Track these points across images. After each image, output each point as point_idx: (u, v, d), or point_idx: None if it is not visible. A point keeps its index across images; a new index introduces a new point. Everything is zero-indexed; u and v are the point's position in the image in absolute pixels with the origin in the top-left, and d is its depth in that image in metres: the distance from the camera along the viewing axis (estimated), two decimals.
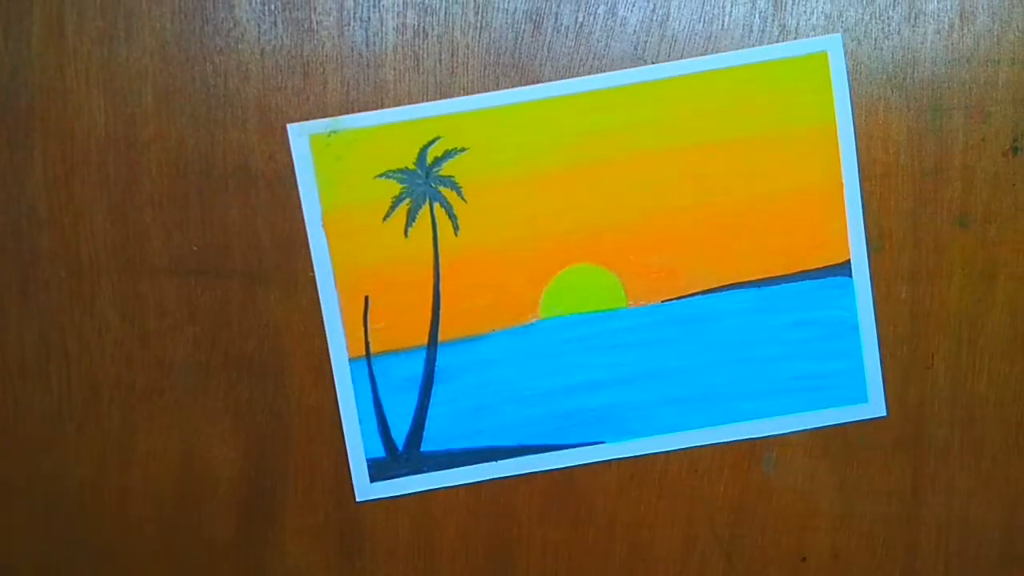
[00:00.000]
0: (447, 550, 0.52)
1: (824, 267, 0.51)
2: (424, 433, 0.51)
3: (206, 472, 0.50)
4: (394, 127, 0.50)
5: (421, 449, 0.52)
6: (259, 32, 0.50)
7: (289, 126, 0.50)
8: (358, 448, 0.52)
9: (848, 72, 0.51)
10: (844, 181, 0.51)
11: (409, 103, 0.50)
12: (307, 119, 0.50)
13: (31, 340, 0.51)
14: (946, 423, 0.52)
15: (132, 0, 0.50)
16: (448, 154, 0.50)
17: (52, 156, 0.50)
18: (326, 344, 0.51)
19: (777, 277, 0.51)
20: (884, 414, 0.52)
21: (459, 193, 0.50)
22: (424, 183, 0.50)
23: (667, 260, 0.51)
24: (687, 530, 0.53)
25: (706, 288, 0.51)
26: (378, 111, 0.50)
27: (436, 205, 0.51)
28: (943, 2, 0.51)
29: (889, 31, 0.51)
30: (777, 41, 0.51)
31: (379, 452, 0.51)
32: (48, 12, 0.50)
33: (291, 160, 0.50)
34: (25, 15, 0.50)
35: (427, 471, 0.52)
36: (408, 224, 0.51)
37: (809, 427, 0.52)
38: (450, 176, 0.50)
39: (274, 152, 0.50)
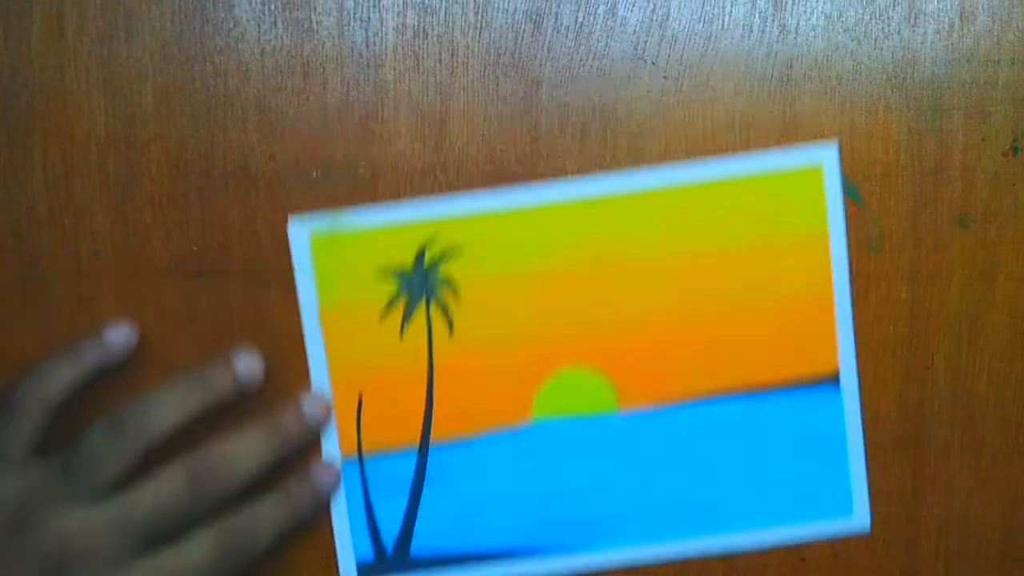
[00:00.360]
0: None
1: (813, 376, 0.51)
2: (413, 537, 0.51)
3: None
4: (393, 228, 0.50)
5: (411, 553, 0.51)
6: (259, 32, 0.50)
7: (290, 220, 0.50)
8: (348, 551, 0.51)
9: (843, 181, 0.51)
10: (835, 293, 0.51)
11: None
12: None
13: (31, 340, 0.51)
14: (946, 423, 0.52)
15: (132, 0, 0.50)
16: (445, 255, 0.50)
17: (52, 156, 0.50)
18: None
19: (765, 386, 0.51)
20: (867, 530, 0.52)
21: (455, 293, 0.51)
22: (421, 283, 0.50)
23: (658, 366, 0.51)
24: None
25: (696, 395, 0.51)
26: (379, 206, 0.50)
27: (432, 304, 0.51)
28: (943, 2, 0.51)
29: (889, 31, 0.51)
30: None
31: (368, 556, 0.51)
32: (48, 12, 0.50)
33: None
34: (25, 15, 0.50)
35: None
36: (404, 323, 0.51)
37: (792, 541, 0.52)
38: (446, 277, 0.51)
39: (274, 152, 0.50)
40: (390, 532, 0.51)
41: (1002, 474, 0.53)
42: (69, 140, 0.50)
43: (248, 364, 0.49)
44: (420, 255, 0.51)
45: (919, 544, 0.53)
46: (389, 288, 0.51)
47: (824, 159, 0.51)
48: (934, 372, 0.52)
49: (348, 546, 0.51)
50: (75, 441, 0.47)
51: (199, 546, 0.47)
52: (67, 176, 0.51)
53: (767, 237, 0.51)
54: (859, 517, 0.52)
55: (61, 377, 0.48)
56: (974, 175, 0.51)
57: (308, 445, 0.51)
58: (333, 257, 0.51)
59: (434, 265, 0.51)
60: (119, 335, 0.49)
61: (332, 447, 0.51)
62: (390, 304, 0.51)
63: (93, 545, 0.45)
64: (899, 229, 0.52)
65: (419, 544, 0.51)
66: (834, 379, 0.51)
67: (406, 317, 0.51)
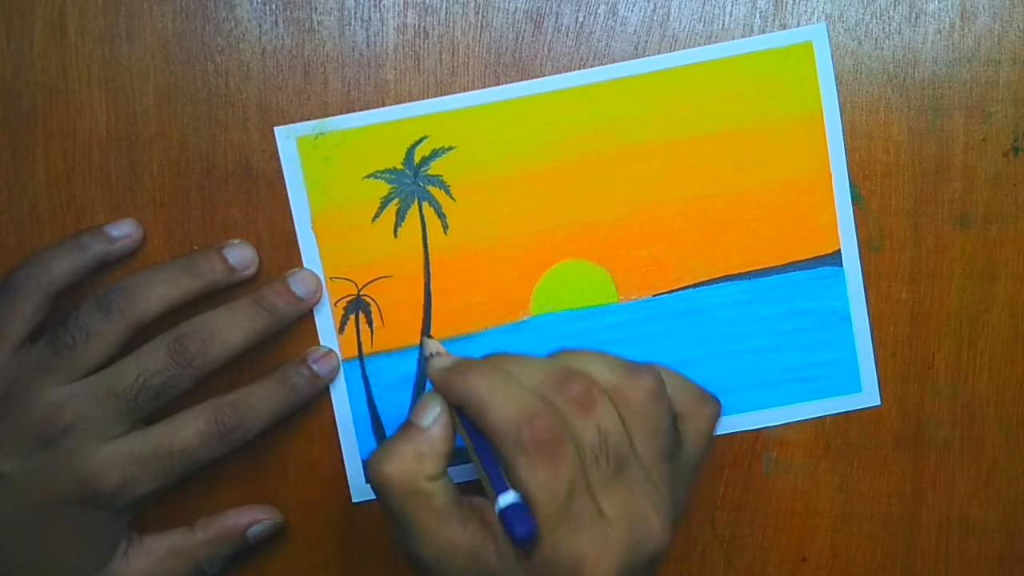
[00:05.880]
0: None
1: (814, 258, 0.51)
2: None
3: (206, 472, 0.50)
4: (381, 128, 0.50)
5: None
6: (260, 32, 0.50)
7: (276, 129, 0.50)
8: (353, 449, 0.52)
9: (834, 61, 0.51)
10: (832, 171, 0.51)
11: (410, 103, 0.50)
12: (308, 119, 0.50)
13: None
14: (946, 423, 0.52)
15: (134, 0, 0.50)
16: (435, 153, 0.50)
17: (54, 155, 0.51)
18: (319, 343, 0.51)
19: (767, 269, 0.51)
20: (878, 403, 0.52)
21: (447, 192, 0.51)
22: (412, 183, 0.50)
23: (657, 254, 0.51)
24: (687, 530, 0.53)
25: (696, 281, 0.51)
26: (365, 112, 0.50)
27: (425, 204, 0.51)
28: (944, 2, 0.51)
29: (890, 31, 0.51)
30: None
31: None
32: (50, 12, 0.50)
33: None
34: (27, 15, 0.50)
35: None
36: (397, 224, 0.51)
37: (804, 418, 0.52)
38: (438, 175, 0.51)
39: (274, 152, 0.51)
40: (395, 430, 0.51)
41: (1002, 474, 0.53)
42: (71, 139, 0.51)
43: (239, 253, 0.50)
44: (410, 153, 0.50)
45: (919, 544, 0.53)
46: (381, 189, 0.51)
47: (813, 38, 0.50)
48: (934, 372, 0.52)
49: (353, 444, 0.51)
50: (64, 320, 0.47)
51: (192, 422, 0.47)
52: (69, 175, 0.51)
53: (761, 118, 0.50)
54: (868, 393, 0.52)
55: (61, 265, 0.48)
56: (975, 175, 0.51)
57: (300, 321, 0.51)
58: (322, 161, 0.50)
59: (425, 163, 0.50)
60: (121, 229, 0.50)
61: (332, 349, 0.51)
62: (383, 205, 0.51)
63: (80, 417, 0.46)
64: (900, 229, 0.52)
65: None
66: (835, 259, 0.51)
67: (400, 217, 0.51)
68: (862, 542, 0.53)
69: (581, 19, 0.50)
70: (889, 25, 0.51)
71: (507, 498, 0.41)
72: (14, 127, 0.50)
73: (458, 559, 0.42)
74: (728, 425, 0.52)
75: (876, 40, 0.51)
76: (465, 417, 0.43)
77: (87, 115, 0.50)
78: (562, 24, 0.50)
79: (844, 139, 0.51)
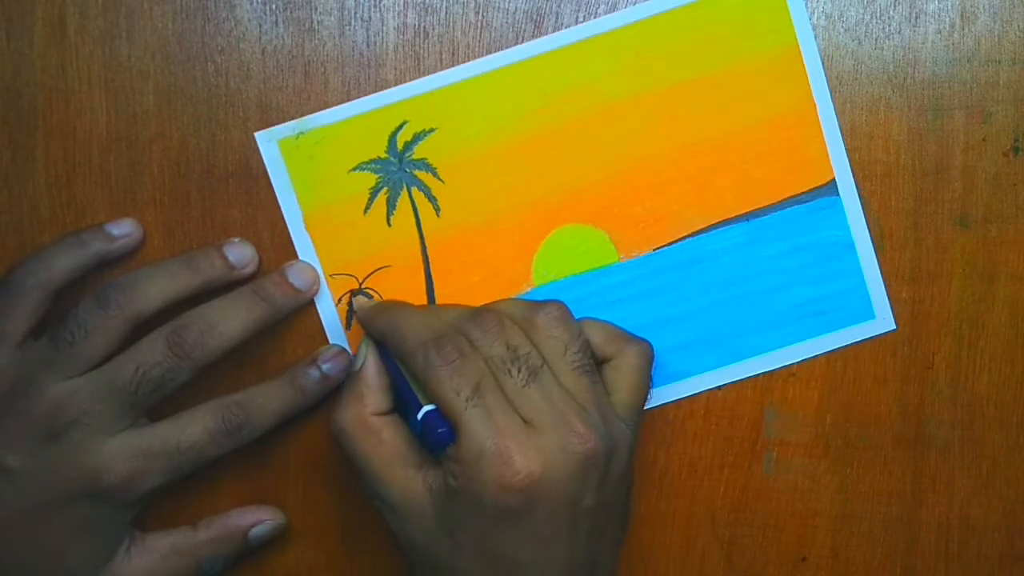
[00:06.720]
0: None
1: (809, 190, 0.51)
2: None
3: (206, 470, 0.50)
4: (360, 119, 0.50)
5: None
6: (260, 32, 0.50)
7: (256, 135, 0.50)
8: None
9: (824, 60, 0.50)
10: (816, 102, 0.51)
11: (385, 90, 0.50)
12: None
13: None
14: (946, 423, 0.52)
15: (134, 0, 0.50)
16: (417, 137, 0.50)
17: (54, 155, 0.51)
18: (327, 342, 0.51)
19: (764, 208, 0.51)
20: (893, 328, 0.52)
21: (435, 174, 0.50)
22: (398, 169, 0.50)
23: (652, 208, 0.51)
24: (687, 530, 0.53)
25: (695, 230, 0.51)
26: (342, 105, 0.50)
27: (414, 189, 0.51)
28: (944, 2, 0.51)
29: (890, 31, 0.51)
30: None
31: None
32: (50, 11, 0.50)
33: None
34: (27, 15, 0.50)
35: None
36: (389, 213, 0.51)
37: (821, 352, 0.52)
38: (423, 159, 0.50)
39: None
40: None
41: (1002, 474, 0.53)
42: (71, 139, 0.51)
43: (239, 251, 0.50)
44: (392, 140, 0.50)
45: (919, 544, 0.53)
46: (368, 180, 0.51)
47: None
48: (934, 372, 0.52)
49: None
50: (64, 317, 0.47)
51: (200, 419, 0.48)
52: (69, 175, 0.51)
53: (738, 58, 0.50)
54: (882, 319, 0.52)
55: (62, 262, 0.48)
56: (975, 175, 0.51)
57: (305, 319, 0.51)
58: (306, 160, 0.50)
59: (408, 148, 0.50)
60: (121, 228, 0.50)
61: (340, 344, 0.51)
62: (372, 195, 0.51)
63: (83, 411, 0.46)
64: (899, 229, 0.52)
65: None
66: (831, 188, 0.51)
67: (390, 206, 0.51)
68: (862, 542, 0.53)
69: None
70: (889, 25, 0.51)
71: (422, 411, 0.44)
72: (14, 127, 0.51)
73: (416, 499, 0.44)
74: (747, 368, 0.52)
75: (876, 40, 0.51)
76: (387, 352, 0.46)
77: (87, 115, 0.51)
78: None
79: (824, 67, 0.50)
